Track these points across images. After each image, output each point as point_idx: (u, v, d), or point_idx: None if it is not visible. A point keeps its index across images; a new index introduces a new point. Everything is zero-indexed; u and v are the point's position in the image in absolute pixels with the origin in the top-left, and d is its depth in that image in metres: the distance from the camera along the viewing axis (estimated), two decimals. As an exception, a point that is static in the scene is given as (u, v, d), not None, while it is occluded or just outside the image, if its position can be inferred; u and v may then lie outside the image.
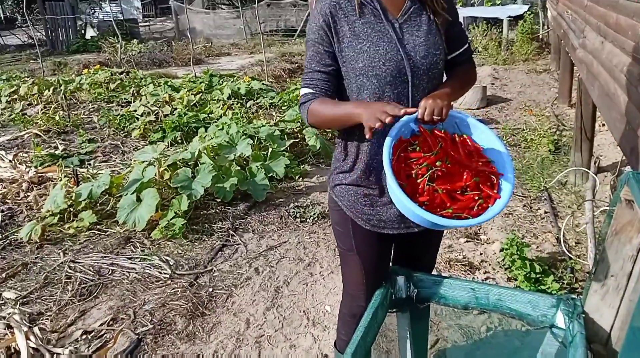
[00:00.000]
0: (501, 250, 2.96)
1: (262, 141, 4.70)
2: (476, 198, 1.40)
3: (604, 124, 4.96)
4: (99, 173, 4.45)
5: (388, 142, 1.38)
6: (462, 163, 1.43)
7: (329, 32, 1.46)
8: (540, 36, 9.91)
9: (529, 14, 10.10)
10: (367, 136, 1.33)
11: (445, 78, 1.60)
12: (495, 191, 1.42)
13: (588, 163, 4.02)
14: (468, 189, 1.42)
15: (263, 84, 7.60)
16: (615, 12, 2.63)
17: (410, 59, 1.44)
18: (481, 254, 3.07)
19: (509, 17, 10.35)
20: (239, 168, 4.20)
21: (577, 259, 2.89)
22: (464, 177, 1.42)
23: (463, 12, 10.56)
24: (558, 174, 4.02)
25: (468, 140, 1.48)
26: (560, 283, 2.66)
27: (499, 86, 7.57)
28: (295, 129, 5.21)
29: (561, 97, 6.27)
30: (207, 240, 3.50)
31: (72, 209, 3.81)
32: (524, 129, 5.24)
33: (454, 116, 1.48)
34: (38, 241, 3.49)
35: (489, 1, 12.52)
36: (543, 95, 6.85)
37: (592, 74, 3.22)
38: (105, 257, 3.29)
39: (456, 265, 2.96)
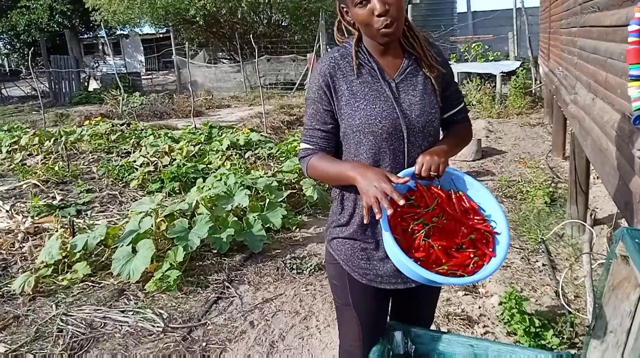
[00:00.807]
0: (500, 303, 2.93)
1: (259, 191, 4.72)
2: (472, 255, 1.41)
3: (598, 177, 5.01)
4: (96, 224, 4.44)
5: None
6: (458, 220, 1.45)
7: (328, 92, 1.51)
8: (533, 91, 10.16)
9: (522, 70, 10.40)
10: (365, 220, 1.36)
11: (442, 135, 1.65)
12: (490, 250, 1.43)
13: (584, 216, 4.04)
14: (464, 246, 1.43)
15: (262, 135, 7.71)
16: (604, 70, 2.71)
17: (406, 117, 1.48)
18: (480, 307, 3.03)
19: (502, 72, 10.65)
20: (236, 218, 4.19)
21: (577, 313, 2.85)
22: (460, 234, 1.44)
23: (457, 68, 10.86)
24: (555, 226, 4.02)
25: (464, 197, 1.51)
26: (560, 338, 2.62)
27: (494, 138, 7.69)
28: (292, 180, 5.24)
29: (555, 150, 6.36)
30: (202, 292, 3.45)
31: (66, 260, 3.78)
32: (519, 182, 5.28)
33: (451, 173, 1.52)
34: (31, 293, 3.44)
35: (482, 57, 12.90)
36: (537, 148, 6.95)
37: (585, 129, 3.29)
38: (97, 310, 3.24)
39: (455, 318, 2.91)
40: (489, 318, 2.93)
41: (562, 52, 5.21)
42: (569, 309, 2.88)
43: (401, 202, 1.30)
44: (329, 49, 15.00)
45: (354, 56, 1.51)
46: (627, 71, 1.76)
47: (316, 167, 1.55)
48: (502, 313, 2.83)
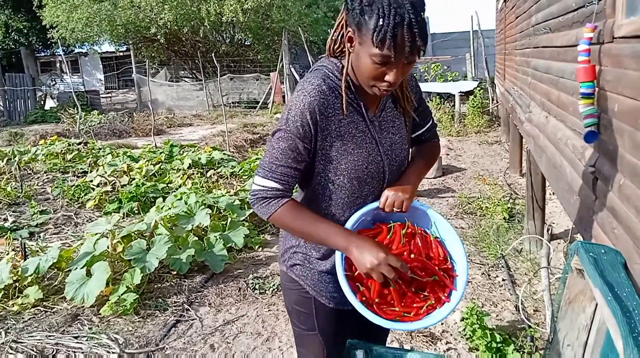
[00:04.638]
0: (462, 319, 2.94)
1: (221, 211, 4.65)
2: (428, 300, 1.41)
3: (554, 193, 5.16)
4: (49, 246, 4.26)
5: (349, 225, 1.42)
6: (421, 261, 1.44)
7: (314, 130, 1.35)
8: (490, 110, 10.46)
9: (479, 90, 10.70)
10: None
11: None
12: (446, 295, 1.43)
13: (541, 231, 4.13)
14: (423, 288, 1.44)
15: (224, 153, 7.63)
16: (557, 89, 2.80)
17: (387, 158, 1.46)
18: (442, 324, 3.04)
19: (461, 92, 10.93)
20: (197, 238, 4.10)
21: (536, 327, 2.89)
22: (421, 276, 1.43)
23: (417, 87, 11.06)
24: (513, 241, 4.10)
25: (428, 238, 1.50)
26: (521, 353, 2.64)
27: (454, 156, 7.85)
28: (255, 199, 5.18)
29: (512, 167, 6.53)
30: (160, 315, 3.34)
31: (17, 284, 3.60)
32: (478, 198, 5.38)
33: (416, 208, 1.52)
34: (-24, 320, 3.26)
35: (441, 77, 13.22)
36: (495, 165, 7.13)
37: (539, 146, 3.38)
38: (49, 336, 3.08)
39: (418, 336, 2.91)
40: (451, 335, 2.93)
41: (517, 73, 5.39)
42: (529, 323, 2.92)
43: (408, 273, 1.33)
44: (293, 70, 15.03)
45: (344, 93, 1.36)
46: (578, 89, 1.82)
47: (291, 219, 1.39)
48: (464, 329, 2.84)
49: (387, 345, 1.91)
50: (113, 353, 2.88)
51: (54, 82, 22.04)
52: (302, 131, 1.34)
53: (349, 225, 1.43)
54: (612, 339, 1.28)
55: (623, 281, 1.40)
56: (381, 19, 1.17)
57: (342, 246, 1.34)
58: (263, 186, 1.40)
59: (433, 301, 1.41)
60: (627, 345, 1.14)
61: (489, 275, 3.67)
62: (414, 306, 1.40)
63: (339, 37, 1.39)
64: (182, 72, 20.57)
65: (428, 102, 11.16)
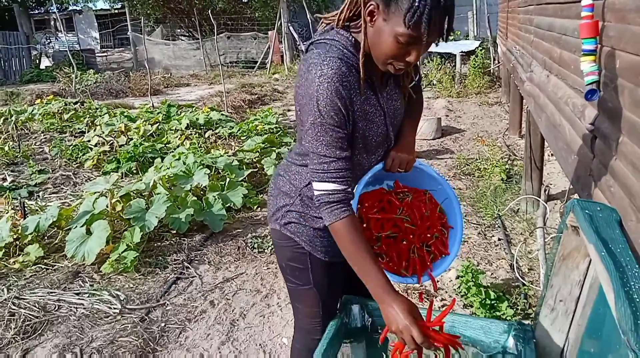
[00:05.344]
0: (457, 277, 2.99)
1: (219, 171, 4.65)
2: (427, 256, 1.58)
3: (552, 154, 5.15)
4: (48, 205, 4.28)
5: (357, 191, 1.50)
6: (423, 220, 1.58)
7: (346, 114, 1.32)
8: (491, 70, 10.32)
9: (481, 50, 10.53)
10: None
11: None
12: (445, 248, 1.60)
13: (538, 191, 4.15)
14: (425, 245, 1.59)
15: (222, 114, 7.57)
16: (559, 47, 2.76)
17: (392, 126, 1.49)
18: (438, 281, 3.09)
19: (462, 52, 10.76)
20: (196, 198, 4.12)
21: (530, 285, 2.94)
22: (423, 235, 1.58)
23: (418, 47, 10.87)
24: (510, 202, 4.13)
25: (429, 197, 1.63)
26: (515, 309, 2.70)
27: (453, 117, 7.80)
28: (254, 159, 5.18)
29: (512, 129, 6.50)
30: (160, 272, 3.39)
31: (18, 243, 3.64)
32: (477, 159, 5.38)
33: (416, 167, 1.59)
34: (-21, 277, 3.30)
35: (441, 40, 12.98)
36: (495, 126, 7.09)
37: (539, 106, 3.36)
38: (51, 292, 3.14)
39: (413, 293, 2.96)
40: (446, 292, 2.99)
41: (520, 31, 5.29)
42: (523, 281, 2.97)
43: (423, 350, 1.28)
44: (292, 29, 14.69)
45: (363, 72, 1.32)
46: (580, 46, 1.79)
47: (346, 239, 1.34)
48: (459, 287, 2.90)
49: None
50: (115, 309, 2.94)
51: (48, 41, 21.63)
52: (337, 119, 1.30)
53: (358, 188, 1.48)
54: (604, 294, 1.30)
55: (617, 237, 1.41)
56: (417, 0, 1.13)
57: (379, 296, 1.31)
58: (323, 191, 1.34)
59: (434, 256, 1.58)
60: (618, 298, 1.15)
61: (485, 235, 3.70)
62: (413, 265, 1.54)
63: (355, 9, 1.32)
64: (179, 30, 20.20)
65: (429, 62, 11.02)
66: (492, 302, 2.68)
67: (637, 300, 1.16)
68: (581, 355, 1.55)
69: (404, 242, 1.55)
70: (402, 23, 1.17)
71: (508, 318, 2.59)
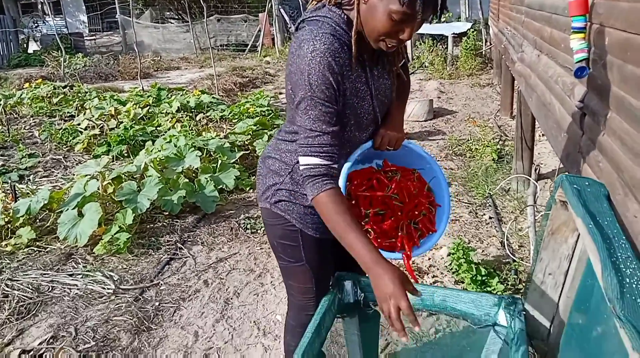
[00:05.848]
0: (448, 255, 3.03)
1: (211, 153, 4.64)
2: (415, 234, 1.60)
3: (543, 135, 5.19)
4: (39, 189, 4.26)
5: (346, 168, 1.50)
6: (411, 197, 1.60)
7: (337, 89, 1.32)
8: (483, 52, 10.30)
9: (472, 31, 10.50)
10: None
11: None
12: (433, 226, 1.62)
13: (529, 171, 4.18)
14: (413, 223, 1.61)
15: (213, 97, 7.53)
16: (549, 26, 2.77)
17: (381, 104, 1.49)
18: (429, 259, 3.13)
19: (454, 34, 10.72)
20: (187, 180, 4.12)
21: (521, 261, 2.98)
22: (411, 212, 1.61)
23: (410, 29, 10.82)
24: (501, 181, 4.16)
25: (417, 175, 1.66)
26: (505, 285, 2.74)
27: (445, 99, 7.80)
28: (245, 142, 5.18)
29: (503, 109, 6.52)
30: (153, 253, 3.40)
31: (10, 226, 3.63)
32: (468, 140, 5.40)
33: (405, 146, 1.60)
34: (-29, 260, 3.30)
35: (435, 18, 12.92)
36: (486, 107, 7.11)
37: (530, 86, 3.37)
38: (44, 274, 3.14)
39: (405, 270, 2.99)
40: (438, 269, 3.03)
41: (511, 12, 5.27)
42: (513, 258, 3.01)
43: (416, 329, 1.20)
44: (283, 11, 14.55)
45: (355, 50, 1.32)
46: (570, 25, 1.79)
47: (330, 211, 1.31)
48: (450, 264, 2.93)
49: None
50: (108, 289, 2.95)
51: (36, 25, 21.28)
52: (328, 94, 1.29)
53: (346, 166, 1.49)
54: (592, 266, 1.32)
55: (605, 211, 1.44)
56: None
57: (367, 265, 1.28)
58: (307, 164, 1.34)
59: (421, 233, 1.60)
60: (605, 268, 1.18)
61: (476, 214, 3.74)
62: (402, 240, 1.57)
63: None
64: (168, 13, 19.93)
65: (421, 44, 10.97)
66: (483, 278, 2.72)
67: (623, 269, 1.19)
68: (570, 326, 1.58)
69: (392, 219, 1.57)
70: (397, 0, 1.17)
71: (498, 293, 2.63)
